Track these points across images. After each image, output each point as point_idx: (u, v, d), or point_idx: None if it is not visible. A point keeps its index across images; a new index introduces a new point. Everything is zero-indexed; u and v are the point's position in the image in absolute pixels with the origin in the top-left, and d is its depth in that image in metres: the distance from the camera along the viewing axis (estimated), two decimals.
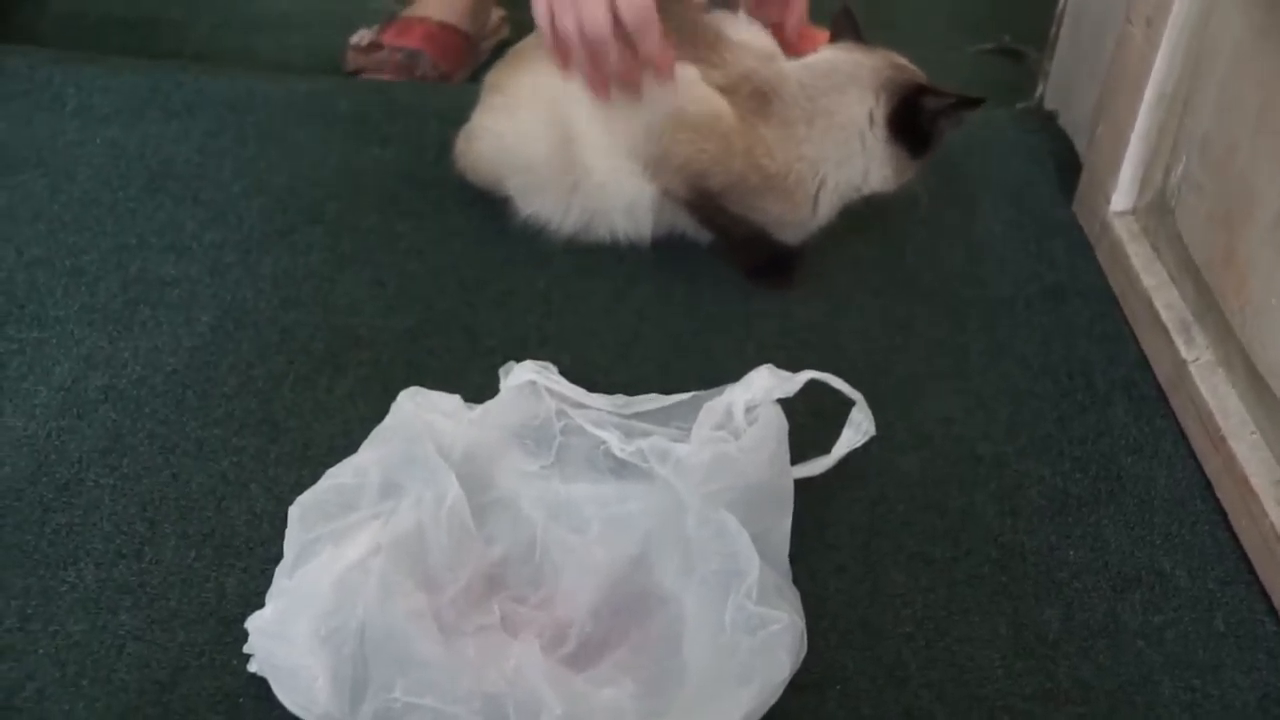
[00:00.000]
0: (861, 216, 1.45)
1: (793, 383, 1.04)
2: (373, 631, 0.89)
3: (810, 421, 1.08)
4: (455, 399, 1.06)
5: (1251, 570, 1.05)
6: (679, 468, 0.98)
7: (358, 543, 0.94)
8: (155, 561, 1.02)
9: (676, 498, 0.97)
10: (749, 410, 1.02)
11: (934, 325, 1.30)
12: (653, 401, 1.06)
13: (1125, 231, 1.33)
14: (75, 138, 1.45)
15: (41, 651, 0.95)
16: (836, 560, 1.05)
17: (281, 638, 0.92)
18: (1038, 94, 1.67)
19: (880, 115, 1.25)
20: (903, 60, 1.29)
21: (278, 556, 1.01)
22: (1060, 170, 1.52)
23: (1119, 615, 1.02)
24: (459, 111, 1.38)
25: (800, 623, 0.93)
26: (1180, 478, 1.14)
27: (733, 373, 1.06)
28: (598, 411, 1.06)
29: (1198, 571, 1.06)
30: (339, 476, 0.99)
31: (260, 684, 0.93)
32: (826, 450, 1.08)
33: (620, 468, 1.03)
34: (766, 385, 1.03)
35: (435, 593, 0.93)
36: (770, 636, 0.90)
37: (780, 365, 1.21)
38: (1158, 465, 1.16)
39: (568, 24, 1.16)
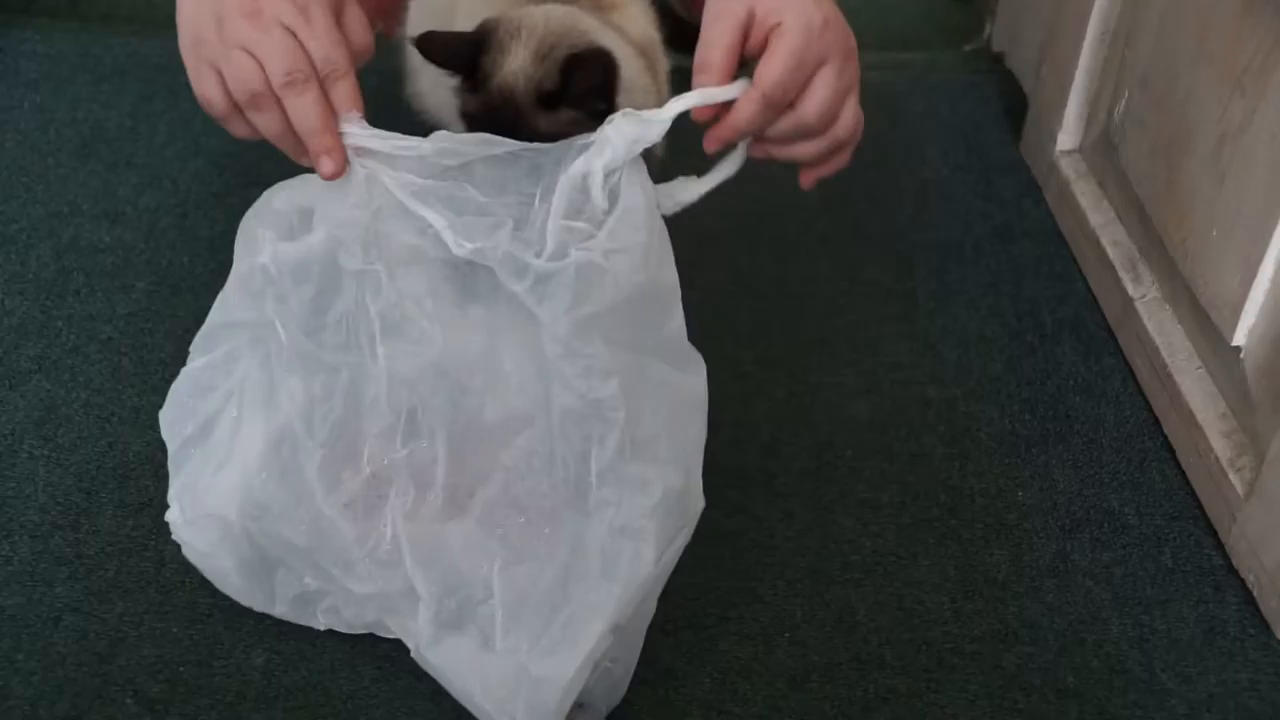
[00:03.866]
0: None
1: (659, 122, 0.84)
2: (258, 536, 0.90)
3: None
4: (286, 208, 0.89)
5: (1199, 505, 1.06)
6: (540, 289, 0.81)
7: (220, 436, 0.93)
8: (92, 532, 1.00)
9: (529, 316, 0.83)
10: (608, 177, 0.84)
11: (882, 270, 1.29)
12: (481, 147, 0.85)
13: (1072, 170, 1.33)
14: (2, 103, 1.41)
15: None
16: (784, 508, 1.05)
17: (188, 542, 0.95)
18: (985, 35, 1.66)
19: None
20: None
21: None
22: (1008, 112, 1.50)
23: (1068, 555, 1.02)
24: (396, 69, 1.35)
25: (677, 481, 0.85)
26: (1128, 416, 1.14)
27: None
28: (420, 182, 0.85)
29: (1146, 509, 1.06)
30: (193, 360, 0.95)
31: (202, 650, 0.92)
32: None
33: (453, 270, 0.87)
34: (629, 137, 0.83)
35: (303, 461, 0.88)
36: (640, 509, 0.83)
37: (727, 312, 1.21)
38: (1106, 404, 1.15)
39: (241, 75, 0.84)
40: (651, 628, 0.95)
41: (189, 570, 0.97)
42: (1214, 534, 1.03)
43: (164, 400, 1.09)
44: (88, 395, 1.11)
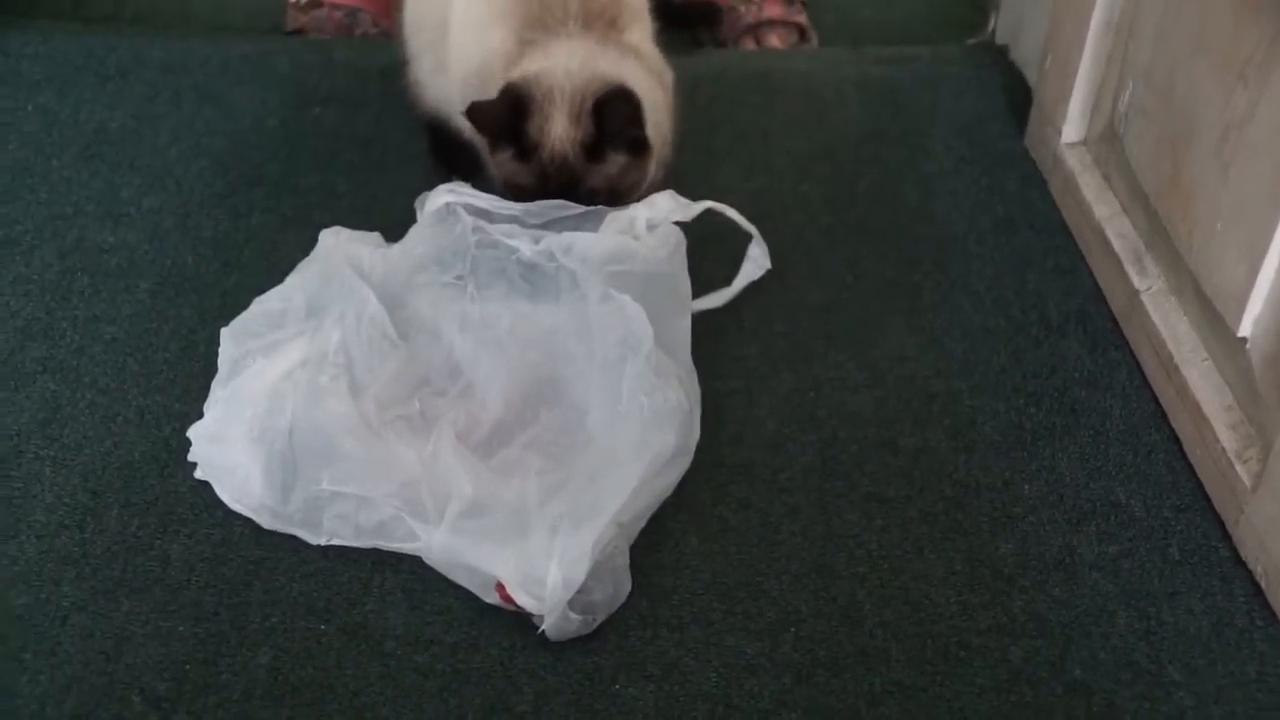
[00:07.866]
0: (811, 156, 1.44)
1: (691, 209, 1.10)
2: (300, 430, 0.98)
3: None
4: (375, 235, 1.12)
5: (1205, 497, 1.05)
6: (582, 255, 1.04)
7: (286, 355, 1.05)
8: (98, 531, 1.00)
9: (580, 289, 1.04)
10: (650, 226, 1.08)
11: (886, 264, 1.29)
12: (563, 209, 1.09)
13: (1077, 163, 1.32)
14: (5, 105, 1.42)
15: None
16: (790, 503, 1.05)
17: (219, 440, 1.02)
18: (989, 29, 1.65)
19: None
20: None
21: (223, 521, 1.01)
22: (1012, 105, 1.50)
23: (1074, 548, 1.02)
24: (398, 68, 1.35)
25: (688, 408, 1.01)
26: (1134, 408, 1.14)
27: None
28: (509, 225, 1.09)
29: (1152, 501, 1.06)
30: (266, 302, 1.07)
31: (208, 648, 0.92)
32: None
33: (530, 273, 1.08)
34: (667, 207, 1.09)
35: (359, 394, 1.01)
36: (662, 410, 0.98)
37: (730, 308, 1.21)
38: (1112, 396, 1.15)
39: None
40: (658, 623, 0.95)
41: (194, 569, 0.97)
42: (1221, 526, 1.03)
43: (168, 399, 1.11)
44: (93, 395, 1.11)
